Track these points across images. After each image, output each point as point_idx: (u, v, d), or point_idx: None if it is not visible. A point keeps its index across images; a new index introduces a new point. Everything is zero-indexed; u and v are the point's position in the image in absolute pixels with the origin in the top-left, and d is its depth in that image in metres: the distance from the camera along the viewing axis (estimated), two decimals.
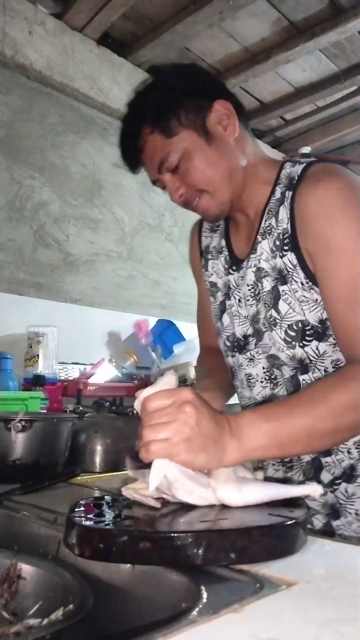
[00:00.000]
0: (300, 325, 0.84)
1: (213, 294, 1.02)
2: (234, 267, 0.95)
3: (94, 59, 2.35)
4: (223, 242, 0.99)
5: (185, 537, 0.51)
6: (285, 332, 0.85)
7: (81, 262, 2.35)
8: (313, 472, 0.89)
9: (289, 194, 0.84)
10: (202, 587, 0.48)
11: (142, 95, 0.90)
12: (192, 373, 2.14)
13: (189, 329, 2.68)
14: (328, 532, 0.87)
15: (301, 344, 0.85)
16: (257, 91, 2.81)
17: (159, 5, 2.21)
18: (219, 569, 0.52)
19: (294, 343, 0.85)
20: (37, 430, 1.05)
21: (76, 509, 0.63)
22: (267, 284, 0.87)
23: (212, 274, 1.02)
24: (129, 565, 0.58)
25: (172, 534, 0.52)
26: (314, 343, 0.84)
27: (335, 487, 0.87)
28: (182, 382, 2.18)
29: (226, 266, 0.97)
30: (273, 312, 0.86)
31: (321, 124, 3.11)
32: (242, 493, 0.62)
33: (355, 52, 2.53)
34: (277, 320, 0.86)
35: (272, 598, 0.46)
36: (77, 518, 0.58)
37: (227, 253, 0.98)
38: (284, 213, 0.84)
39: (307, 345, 0.85)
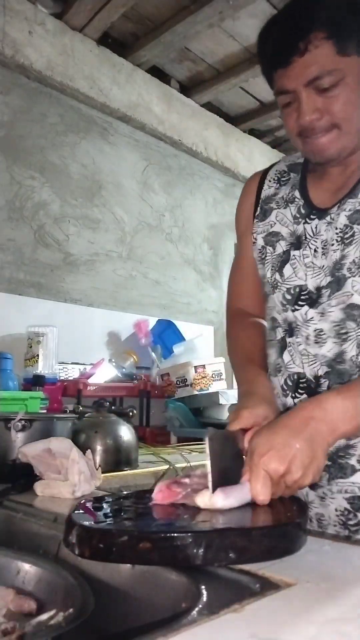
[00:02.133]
0: None
1: (272, 243, 0.93)
2: (311, 216, 0.88)
3: (94, 59, 2.35)
4: (296, 193, 0.92)
5: (185, 538, 0.51)
6: None
7: (81, 262, 2.35)
8: None
9: None
10: (202, 587, 0.48)
11: None
12: (191, 373, 2.14)
13: (189, 329, 2.68)
14: None
15: None
16: (257, 91, 2.81)
17: (159, 5, 2.21)
18: (219, 569, 0.52)
19: None
20: (37, 430, 1.05)
21: (77, 509, 0.63)
22: None
23: (275, 223, 0.93)
24: (129, 565, 0.58)
25: (172, 534, 0.52)
26: None
27: None
28: (182, 381, 2.18)
29: (299, 215, 0.90)
30: None
31: None
32: (228, 499, 0.62)
33: None
34: None
35: (272, 598, 0.46)
36: (77, 518, 0.58)
37: (301, 202, 0.91)
38: None
39: None
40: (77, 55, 2.29)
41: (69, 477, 0.87)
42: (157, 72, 2.65)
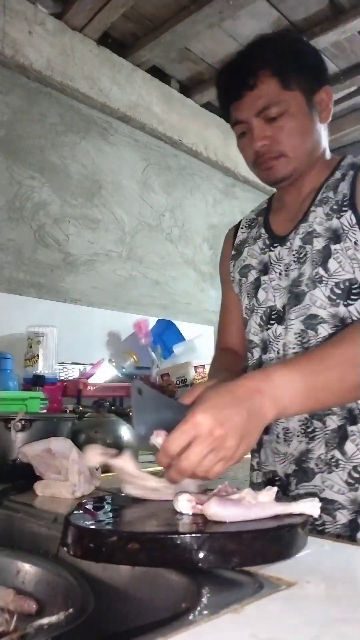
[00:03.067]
0: (347, 283, 0.87)
1: (245, 275, 1.04)
2: (274, 244, 0.99)
3: (93, 59, 2.35)
4: (262, 230, 1.04)
5: (173, 539, 0.51)
6: (331, 290, 0.87)
7: (81, 262, 2.35)
8: (337, 442, 0.87)
9: (350, 172, 0.91)
10: (202, 588, 0.48)
11: (275, 40, 0.94)
12: (191, 373, 2.14)
13: (189, 329, 2.68)
14: (352, 528, 0.85)
15: (345, 303, 0.87)
16: None
17: (159, 5, 2.21)
18: (219, 570, 0.52)
19: (338, 301, 0.87)
20: (37, 430, 1.05)
21: (75, 509, 0.63)
22: (318, 243, 0.90)
23: (246, 258, 1.05)
24: (128, 565, 0.57)
25: (160, 536, 0.52)
26: (359, 302, 0.86)
27: None
28: (182, 381, 2.18)
29: (264, 246, 1.01)
30: (320, 270, 0.89)
31: None
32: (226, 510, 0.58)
33: (355, 52, 2.53)
34: (324, 278, 0.88)
35: (272, 598, 0.46)
36: (73, 518, 0.58)
37: (266, 236, 1.02)
38: (344, 186, 0.90)
39: (351, 305, 0.87)
40: (77, 55, 2.29)
41: (69, 477, 0.87)
42: (157, 72, 2.65)
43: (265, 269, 1.00)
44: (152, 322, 2.48)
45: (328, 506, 0.85)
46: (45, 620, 0.47)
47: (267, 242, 1.01)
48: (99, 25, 2.24)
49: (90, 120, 2.45)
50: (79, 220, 2.36)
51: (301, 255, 0.92)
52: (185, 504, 0.60)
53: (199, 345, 2.53)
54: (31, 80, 2.22)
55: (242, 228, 1.12)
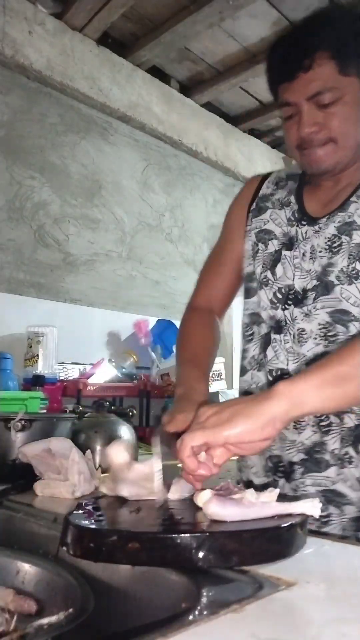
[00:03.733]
0: None
1: (264, 241, 0.97)
2: (303, 222, 0.93)
3: (93, 59, 2.35)
4: (292, 198, 0.97)
5: (173, 539, 0.51)
6: None
7: (81, 262, 2.35)
8: (352, 440, 0.84)
9: None
10: (202, 588, 0.48)
11: (335, 19, 0.87)
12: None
13: None
14: (358, 526, 0.83)
15: None
16: (257, 91, 2.81)
17: (159, 5, 2.21)
18: (219, 569, 0.52)
19: None
20: (37, 430, 1.05)
21: (75, 509, 0.63)
22: (358, 237, 0.86)
23: (268, 221, 0.98)
24: (128, 565, 0.58)
25: (160, 535, 0.52)
26: None
27: None
28: None
29: (292, 218, 0.95)
30: (358, 265, 0.84)
31: None
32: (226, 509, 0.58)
33: None
34: None
35: (272, 598, 0.45)
36: (72, 518, 0.58)
37: (296, 207, 0.95)
38: None
39: None
40: (77, 55, 2.29)
41: (68, 477, 0.87)
42: (157, 72, 2.65)
43: (290, 244, 0.93)
44: (152, 322, 2.48)
45: (337, 499, 0.84)
46: (45, 620, 0.47)
47: (297, 215, 0.94)
48: (99, 25, 2.24)
49: (90, 120, 2.45)
50: (78, 220, 2.36)
51: (334, 245, 0.87)
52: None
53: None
54: (31, 80, 2.22)
55: (269, 182, 1.04)
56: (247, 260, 1.00)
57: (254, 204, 1.02)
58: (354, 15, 0.89)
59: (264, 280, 0.94)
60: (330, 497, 0.84)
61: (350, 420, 0.85)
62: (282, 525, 0.55)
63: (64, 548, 0.57)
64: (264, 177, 1.06)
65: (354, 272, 0.84)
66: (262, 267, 0.95)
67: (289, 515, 0.59)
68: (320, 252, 0.89)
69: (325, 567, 0.55)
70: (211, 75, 2.69)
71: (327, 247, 0.88)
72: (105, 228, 2.47)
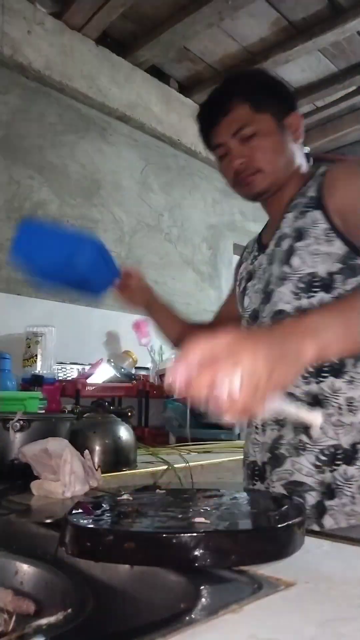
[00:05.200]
0: (309, 277, 0.92)
1: (239, 285, 1.14)
2: (258, 253, 1.08)
3: (92, 59, 2.35)
4: (256, 243, 1.13)
5: (169, 539, 0.51)
6: (295, 285, 0.94)
7: None
8: (304, 427, 0.91)
9: (319, 178, 0.98)
10: (201, 588, 0.48)
11: (247, 74, 1.16)
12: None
13: None
14: (319, 511, 0.88)
15: (307, 296, 0.93)
16: None
17: (158, 5, 2.21)
18: (217, 570, 0.52)
19: (301, 295, 0.93)
20: (35, 430, 1.05)
21: (74, 510, 0.63)
22: (285, 244, 0.98)
23: (242, 270, 1.15)
24: (127, 565, 0.57)
25: (156, 535, 0.52)
26: (320, 295, 0.92)
27: (335, 467, 0.89)
28: None
29: (252, 257, 1.11)
30: (285, 268, 0.96)
31: (320, 124, 3.11)
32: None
33: (354, 52, 2.54)
34: (288, 275, 0.95)
35: (271, 598, 0.45)
36: (71, 517, 0.58)
37: (256, 247, 1.11)
38: (312, 189, 0.97)
39: (313, 297, 0.92)
40: (76, 54, 2.29)
41: (59, 476, 0.87)
42: (156, 72, 2.65)
43: (250, 277, 1.09)
44: (150, 322, 2.48)
45: (298, 488, 0.90)
46: (43, 621, 0.47)
47: (256, 252, 1.10)
48: (98, 24, 2.24)
49: (89, 120, 2.44)
50: (77, 220, 2.36)
51: (271, 257, 1.01)
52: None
53: None
54: (30, 80, 2.22)
55: (247, 248, 1.21)
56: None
57: (240, 267, 1.19)
58: (261, 71, 1.15)
59: (240, 315, 1.11)
60: (292, 489, 0.90)
61: None
62: (279, 526, 0.54)
63: (62, 547, 0.57)
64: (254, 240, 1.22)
65: (282, 275, 0.96)
66: (239, 305, 1.12)
67: (286, 512, 0.59)
68: (265, 268, 1.03)
69: (324, 567, 0.55)
70: (210, 74, 2.69)
71: (268, 262, 1.02)
72: (104, 228, 2.47)
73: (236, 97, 1.00)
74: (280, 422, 0.94)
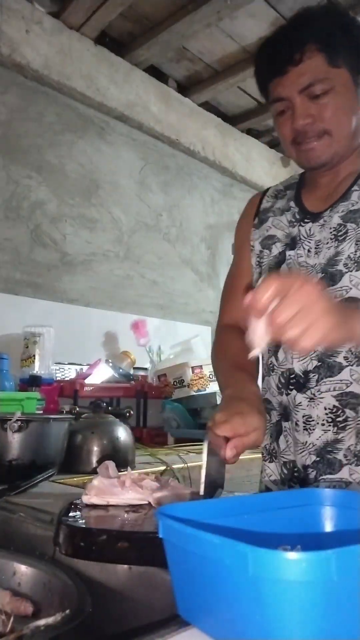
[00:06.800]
0: None
1: (268, 247, 0.98)
2: (306, 220, 0.94)
3: (91, 58, 2.35)
4: (292, 203, 0.99)
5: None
6: None
7: (78, 262, 2.35)
8: None
9: None
10: None
11: (322, 14, 0.89)
12: (188, 374, 2.14)
13: (187, 330, 2.68)
14: None
15: None
16: (255, 91, 2.79)
17: (157, 4, 2.21)
18: None
19: None
20: (33, 430, 1.04)
21: (68, 509, 0.63)
22: None
23: (270, 228, 0.99)
24: (125, 566, 0.57)
25: (150, 534, 0.52)
26: None
27: None
28: (179, 382, 2.17)
29: (293, 219, 0.96)
30: None
31: None
32: None
33: None
34: None
35: None
36: (64, 517, 0.59)
37: (296, 210, 0.97)
38: None
39: None
40: (75, 54, 2.28)
41: None
42: (155, 72, 2.64)
43: (292, 244, 0.93)
44: (149, 322, 2.48)
45: None
46: (41, 622, 0.47)
47: (298, 216, 0.95)
48: (97, 24, 2.24)
49: (88, 119, 2.44)
50: (76, 219, 2.36)
51: (340, 234, 0.87)
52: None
53: (196, 346, 2.53)
54: (28, 79, 2.21)
55: (267, 196, 1.06)
56: (255, 270, 1.01)
57: (256, 219, 1.04)
58: (338, 10, 0.93)
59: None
60: None
61: None
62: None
63: (57, 547, 0.57)
64: (264, 193, 1.08)
65: None
66: (269, 272, 0.95)
67: None
68: (326, 244, 0.88)
69: None
70: (209, 74, 2.69)
71: (332, 237, 0.88)
72: (103, 228, 2.46)
73: (310, 45, 0.83)
74: (338, 424, 0.84)
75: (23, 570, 0.60)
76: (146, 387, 2.18)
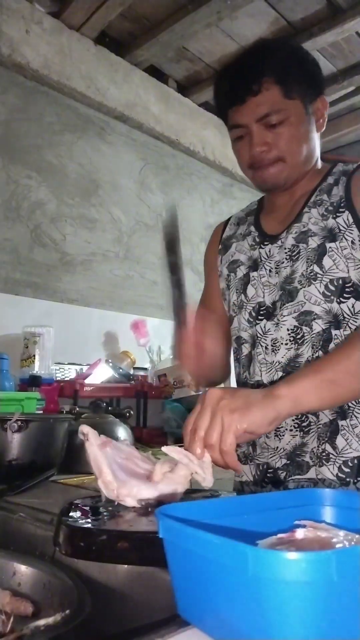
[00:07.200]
0: (341, 282, 0.90)
1: (234, 270, 1.06)
2: (265, 242, 1.01)
3: (91, 58, 2.35)
4: (252, 228, 1.06)
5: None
6: (325, 287, 0.90)
7: (78, 262, 2.35)
8: (328, 436, 0.89)
9: (343, 179, 0.94)
10: None
11: (278, 47, 0.96)
12: (188, 375, 2.14)
13: None
14: None
15: (338, 300, 0.90)
16: None
17: (157, 4, 2.20)
18: None
19: (332, 297, 0.90)
20: (33, 430, 1.04)
21: (69, 510, 0.63)
22: (313, 242, 0.93)
23: (234, 253, 1.07)
24: (125, 566, 0.57)
25: (150, 534, 0.52)
26: (351, 301, 0.90)
27: (359, 479, 0.88)
28: (179, 382, 2.17)
29: (254, 243, 1.04)
30: (315, 267, 0.91)
31: None
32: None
33: (353, 53, 2.54)
34: (319, 275, 0.91)
35: None
36: (64, 518, 0.58)
37: (256, 234, 1.04)
38: (338, 189, 0.93)
39: (344, 302, 0.90)
40: (74, 54, 2.28)
41: None
42: (155, 72, 2.64)
43: (255, 265, 1.02)
44: (149, 322, 2.48)
45: None
46: (41, 622, 0.47)
47: (257, 239, 1.03)
48: (97, 24, 2.24)
49: (88, 119, 2.44)
50: (75, 219, 2.36)
51: (294, 254, 0.95)
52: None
53: None
54: (28, 80, 2.21)
55: (230, 224, 1.14)
56: (224, 293, 1.09)
57: (220, 246, 1.12)
58: (294, 44, 1.02)
59: (240, 303, 1.03)
60: None
61: (324, 417, 0.91)
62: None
63: (57, 547, 0.57)
64: (226, 222, 1.16)
65: (312, 274, 0.92)
66: (236, 293, 1.05)
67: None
68: (282, 263, 0.96)
69: None
70: (209, 74, 2.68)
71: (287, 257, 0.96)
72: (103, 228, 2.46)
73: (267, 77, 0.89)
74: (303, 428, 0.91)
75: (23, 570, 0.60)
76: (146, 387, 2.18)
